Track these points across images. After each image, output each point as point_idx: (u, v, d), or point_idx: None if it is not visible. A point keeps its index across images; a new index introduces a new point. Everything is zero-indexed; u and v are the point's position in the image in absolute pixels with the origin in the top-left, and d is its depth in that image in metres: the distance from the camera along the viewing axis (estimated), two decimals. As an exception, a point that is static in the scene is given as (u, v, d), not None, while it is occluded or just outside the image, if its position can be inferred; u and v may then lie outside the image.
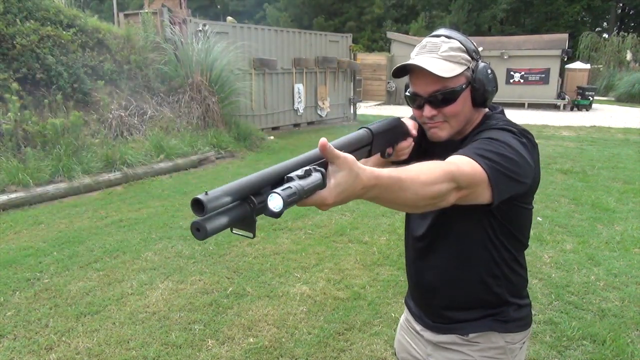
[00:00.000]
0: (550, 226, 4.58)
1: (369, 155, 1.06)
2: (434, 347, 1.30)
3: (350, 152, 0.78)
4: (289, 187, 0.69)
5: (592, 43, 23.80)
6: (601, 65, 22.90)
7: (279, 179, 0.73)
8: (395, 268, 3.66)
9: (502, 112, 1.22)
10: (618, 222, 4.71)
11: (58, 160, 5.76)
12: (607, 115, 15.11)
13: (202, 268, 3.67)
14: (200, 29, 8.65)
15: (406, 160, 1.19)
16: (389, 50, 19.78)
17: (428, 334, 1.31)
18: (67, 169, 5.73)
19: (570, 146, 9.14)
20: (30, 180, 5.35)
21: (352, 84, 13.23)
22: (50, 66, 6.54)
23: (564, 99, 16.96)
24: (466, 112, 1.15)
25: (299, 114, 11.44)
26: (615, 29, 30.48)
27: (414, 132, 1.20)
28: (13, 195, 5.15)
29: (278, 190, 0.68)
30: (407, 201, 0.87)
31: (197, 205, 0.65)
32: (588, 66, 19.21)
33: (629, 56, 23.60)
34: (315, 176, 0.72)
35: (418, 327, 1.36)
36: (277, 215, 0.69)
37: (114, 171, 6.16)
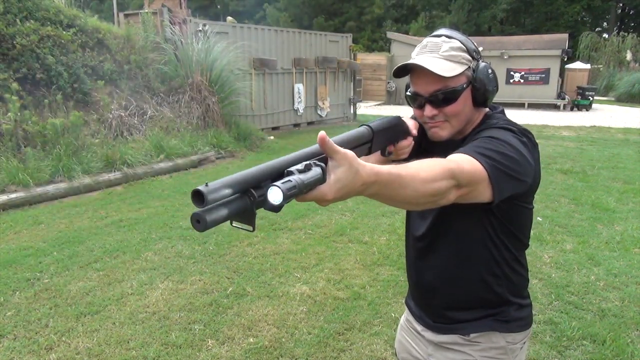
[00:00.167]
0: (550, 226, 4.58)
1: (369, 152, 1.06)
2: (435, 347, 1.30)
3: (350, 149, 0.78)
4: (289, 180, 0.68)
5: (592, 43, 23.80)
6: (601, 65, 22.90)
7: (280, 173, 0.73)
8: (395, 268, 3.66)
9: (503, 112, 1.22)
10: (618, 222, 4.71)
11: (58, 160, 5.76)
12: (607, 115, 15.11)
13: (202, 268, 3.67)
14: (200, 29, 8.65)
15: (406, 159, 1.19)
16: (389, 50, 19.79)
17: (429, 334, 1.31)
18: (67, 169, 5.73)
19: (570, 146, 9.14)
20: (30, 180, 5.35)
21: (352, 84, 13.23)
22: (50, 66, 6.54)
23: (564, 99, 16.97)
24: (467, 112, 1.15)
25: (299, 114, 11.44)
26: (615, 29, 30.48)
27: (414, 131, 1.20)
28: (13, 195, 5.15)
29: (278, 183, 0.67)
30: (406, 198, 0.86)
31: (198, 197, 0.65)
32: (588, 66, 19.22)
33: (629, 56, 23.60)
34: (315, 171, 0.72)
35: (419, 328, 1.35)
36: (277, 208, 0.68)
37: (114, 171, 6.16)
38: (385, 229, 4.55)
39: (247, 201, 0.70)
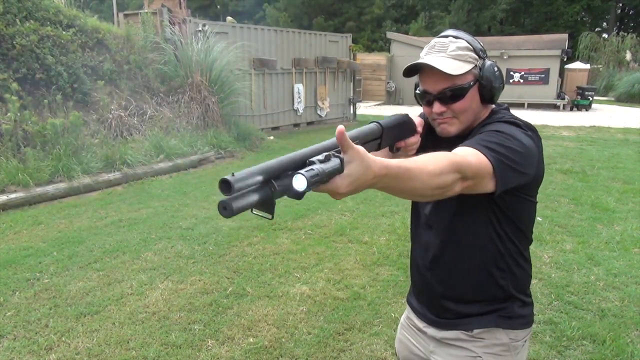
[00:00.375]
0: (550, 226, 4.58)
1: (379, 148, 1.11)
2: (437, 344, 1.31)
3: (362, 144, 0.83)
4: (312, 169, 0.73)
5: (591, 43, 23.82)
6: (601, 66, 22.92)
7: (301, 164, 0.78)
8: (395, 268, 3.66)
9: (508, 109, 1.25)
10: (618, 222, 4.72)
11: (58, 161, 5.76)
12: (606, 115, 15.12)
13: (202, 268, 3.67)
14: (200, 29, 8.65)
15: (413, 156, 1.22)
16: (388, 50, 19.77)
17: (431, 330, 1.32)
18: (66, 169, 5.73)
19: (570, 146, 9.15)
20: (30, 181, 5.35)
21: (351, 84, 13.24)
22: (50, 66, 6.54)
23: (563, 99, 16.97)
24: (474, 108, 1.19)
25: (298, 114, 11.44)
26: (614, 29, 30.49)
27: (420, 129, 1.24)
28: (13, 196, 5.15)
29: (302, 171, 0.73)
30: (415, 190, 0.91)
31: (225, 185, 0.70)
32: (588, 66, 19.22)
33: (628, 56, 23.63)
34: (335, 161, 0.77)
35: (421, 324, 1.36)
36: (300, 195, 0.74)
37: (114, 171, 6.16)
38: (385, 229, 4.55)
39: (269, 191, 0.75)
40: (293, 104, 11.22)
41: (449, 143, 1.20)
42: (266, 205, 0.77)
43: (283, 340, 2.74)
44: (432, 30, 27.19)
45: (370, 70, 18.37)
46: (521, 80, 17.06)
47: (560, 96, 17.12)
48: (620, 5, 31.88)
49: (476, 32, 26.21)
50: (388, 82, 18.43)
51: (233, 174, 0.70)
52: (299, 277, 3.53)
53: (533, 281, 3.35)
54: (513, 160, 1.05)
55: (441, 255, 1.27)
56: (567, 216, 4.89)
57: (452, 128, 1.20)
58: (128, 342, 2.71)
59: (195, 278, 3.50)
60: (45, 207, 5.21)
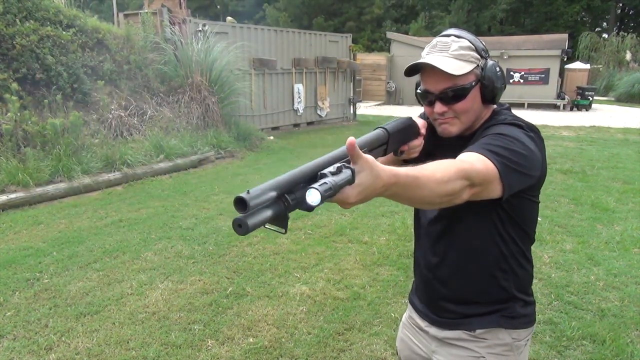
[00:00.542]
0: (550, 226, 4.58)
1: (385, 154, 1.11)
2: (439, 343, 1.31)
3: (369, 151, 0.84)
4: (325, 182, 0.74)
5: (591, 43, 23.83)
6: (601, 66, 22.93)
7: (312, 177, 0.79)
8: (395, 268, 3.66)
9: (509, 109, 1.25)
10: (618, 222, 4.72)
11: (58, 161, 5.76)
12: (606, 115, 15.12)
13: (201, 268, 3.67)
14: (200, 29, 8.65)
15: (416, 158, 1.23)
16: (388, 50, 19.78)
17: (433, 330, 1.32)
18: (66, 169, 5.72)
19: (570, 146, 9.15)
20: (30, 181, 5.35)
21: (351, 84, 13.23)
22: (50, 66, 6.54)
23: (563, 99, 16.97)
24: (476, 109, 1.19)
25: (298, 114, 11.44)
26: (614, 29, 30.49)
27: (423, 130, 1.24)
28: (13, 196, 5.15)
29: (315, 185, 0.73)
30: (423, 198, 0.91)
31: (241, 204, 0.71)
32: (588, 66, 19.22)
33: (628, 56, 23.62)
34: (346, 172, 0.77)
35: (423, 324, 1.36)
36: (312, 209, 0.75)
37: (114, 171, 6.16)
38: (385, 229, 4.55)
39: (282, 206, 0.76)
40: (293, 104, 11.22)
41: (450, 143, 1.20)
42: (279, 220, 0.77)
43: (283, 340, 2.74)
44: (432, 30, 27.20)
45: (370, 70, 18.37)
46: (521, 80, 17.06)
47: (560, 96, 17.12)
48: (620, 5, 31.89)
49: (476, 32, 26.18)
50: (388, 82, 18.43)
51: (248, 191, 0.70)
52: (298, 277, 3.53)
53: (533, 281, 3.37)
54: (518, 163, 1.04)
55: (444, 258, 1.27)
56: (567, 216, 4.89)
57: (453, 128, 1.20)
58: (128, 342, 2.71)
59: (195, 278, 3.50)
60: (45, 207, 5.21)
